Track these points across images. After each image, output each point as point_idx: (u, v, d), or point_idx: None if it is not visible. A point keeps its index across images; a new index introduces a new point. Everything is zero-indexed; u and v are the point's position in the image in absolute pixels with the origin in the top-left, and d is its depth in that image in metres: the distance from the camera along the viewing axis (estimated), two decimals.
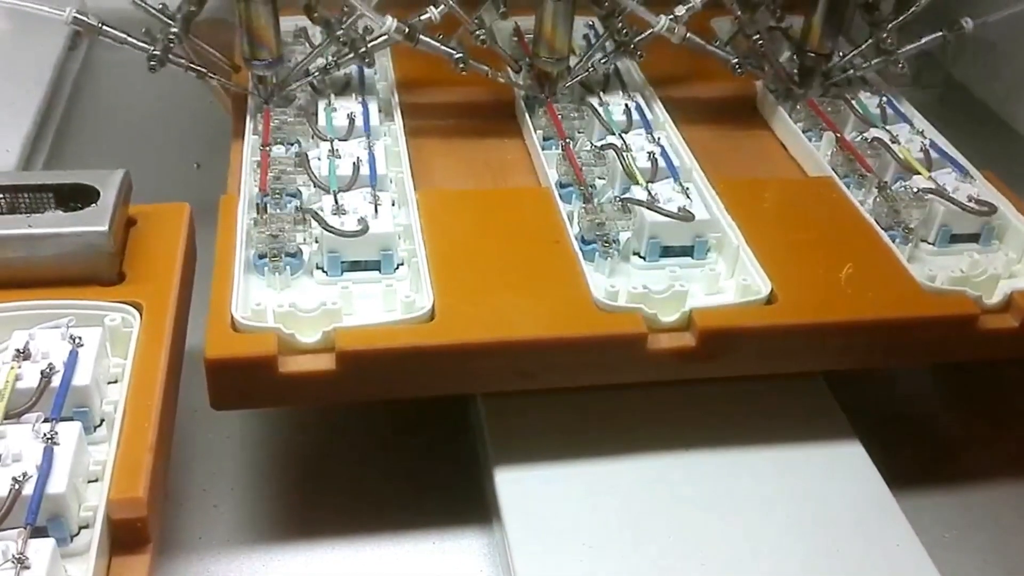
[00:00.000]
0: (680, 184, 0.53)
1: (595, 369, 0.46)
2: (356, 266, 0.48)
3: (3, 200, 0.47)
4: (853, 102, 0.62)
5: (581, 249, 0.49)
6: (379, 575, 0.46)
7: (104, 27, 0.54)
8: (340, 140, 0.55)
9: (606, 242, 0.49)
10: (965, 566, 0.47)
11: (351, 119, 0.57)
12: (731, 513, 0.45)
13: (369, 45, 0.57)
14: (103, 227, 0.45)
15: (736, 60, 0.61)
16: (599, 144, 0.57)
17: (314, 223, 0.48)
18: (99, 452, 0.39)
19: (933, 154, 0.57)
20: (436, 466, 0.51)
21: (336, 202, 0.49)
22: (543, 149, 0.58)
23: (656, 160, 0.55)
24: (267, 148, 0.54)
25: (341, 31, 0.57)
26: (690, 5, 0.58)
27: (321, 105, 0.58)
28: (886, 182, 0.55)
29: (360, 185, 0.51)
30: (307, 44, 0.64)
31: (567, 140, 0.57)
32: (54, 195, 0.47)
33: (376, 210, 0.49)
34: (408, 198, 0.52)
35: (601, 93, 0.62)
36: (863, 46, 0.63)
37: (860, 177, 0.56)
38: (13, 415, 0.38)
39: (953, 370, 0.58)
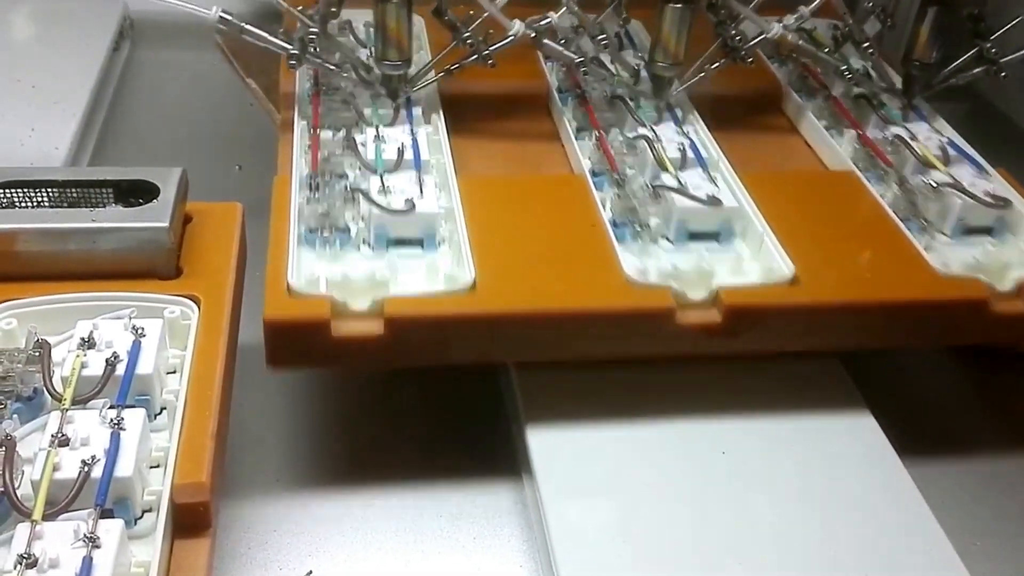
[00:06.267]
0: (708, 173, 0.56)
1: (625, 341, 0.48)
2: (400, 244, 0.51)
3: (64, 194, 0.48)
4: (875, 102, 0.64)
5: (613, 232, 0.52)
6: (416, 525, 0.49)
7: (246, 27, 0.55)
8: (385, 127, 0.58)
9: (637, 225, 0.52)
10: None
11: (395, 108, 0.59)
12: (748, 474, 0.48)
13: (491, 48, 0.58)
14: (164, 223, 0.46)
15: (845, 67, 0.63)
16: (631, 136, 0.60)
17: (363, 201, 0.51)
18: (160, 439, 0.41)
19: (951, 151, 0.60)
20: (469, 436, 0.53)
21: (382, 183, 0.52)
22: (576, 140, 0.60)
23: (685, 151, 0.57)
24: (316, 132, 0.57)
25: (467, 34, 0.58)
26: (799, 14, 0.60)
27: (367, 94, 0.61)
28: (904, 176, 0.57)
29: (404, 168, 0.54)
30: (351, 37, 0.67)
31: (600, 131, 0.60)
32: (113, 191, 0.49)
33: (421, 191, 0.52)
34: (449, 183, 0.55)
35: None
36: (967, 56, 0.63)
37: (881, 172, 0.59)
38: (80, 401, 0.40)
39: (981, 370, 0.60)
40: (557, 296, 0.47)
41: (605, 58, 0.64)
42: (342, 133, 0.58)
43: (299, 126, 0.59)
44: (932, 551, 0.44)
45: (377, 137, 0.56)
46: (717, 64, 0.62)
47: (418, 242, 0.51)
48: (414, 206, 0.51)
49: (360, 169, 0.54)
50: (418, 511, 0.49)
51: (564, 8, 0.58)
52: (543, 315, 0.47)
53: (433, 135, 0.59)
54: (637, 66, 0.64)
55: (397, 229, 0.51)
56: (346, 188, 0.53)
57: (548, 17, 0.58)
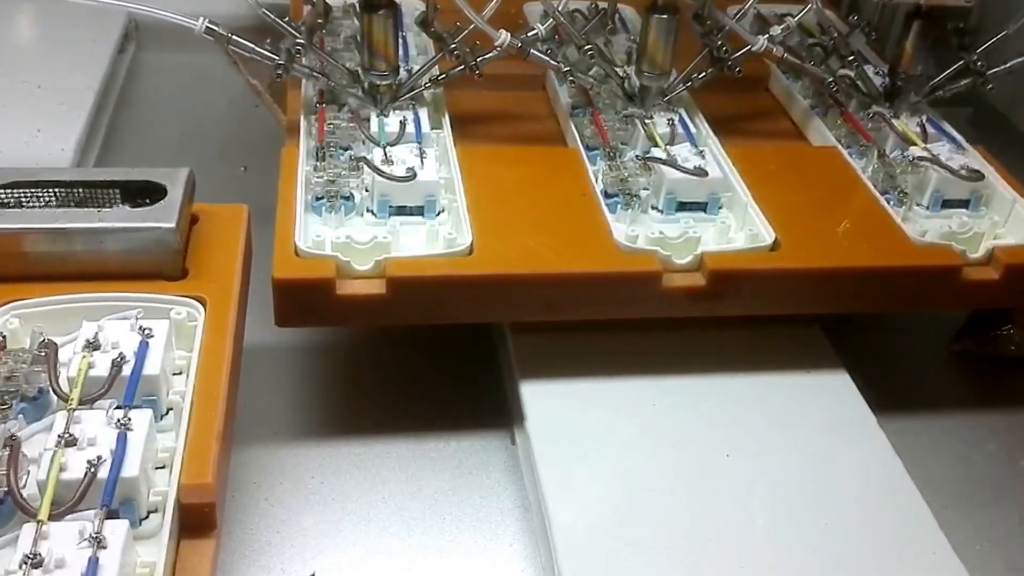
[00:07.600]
0: (696, 147, 0.58)
1: (614, 303, 0.51)
2: (402, 211, 0.54)
3: (71, 194, 0.48)
4: (859, 82, 0.67)
5: (605, 202, 0.55)
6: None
7: (233, 37, 0.55)
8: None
9: (628, 195, 0.55)
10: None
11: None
12: (730, 429, 0.50)
13: (479, 59, 0.58)
14: (171, 223, 0.46)
15: (831, 79, 0.63)
16: (624, 113, 0.62)
17: (366, 171, 0.54)
18: (165, 440, 0.41)
19: (930, 128, 0.62)
20: (466, 400, 0.56)
21: (385, 154, 0.55)
22: (572, 116, 0.63)
23: (675, 126, 0.60)
24: (322, 105, 0.60)
25: (454, 45, 0.59)
26: (785, 25, 0.62)
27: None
28: (884, 150, 0.60)
29: (406, 141, 0.57)
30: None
31: (595, 108, 0.62)
32: (120, 191, 0.49)
33: (422, 162, 0.55)
34: (449, 156, 0.57)
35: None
36: (953, 68, 0.64)
37: (862, 147, 0.61)
38: (86, 401, 0.40)
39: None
40: (549, 260, 0.50)
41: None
42: (347, 108, 0.60)
43: (305, 101, 0.61)
44: (897, 494, 0.48)
45: (381, 112, 0.59)
46: (704, 74, 0.62)
47: (419, 211, 0.54)
48: (415, 175, 0.53)
49: (364, 142, 0.57)
50: (420, 514, 0.50)
51: (551, 19, 0.59)
52: (536, 277, 0.50)
53: (434, 112, 0.62)
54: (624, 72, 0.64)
55: (399, 196, 0.53)
56: (350, 158, 0.55)
57: (534, 28, 0.59)
